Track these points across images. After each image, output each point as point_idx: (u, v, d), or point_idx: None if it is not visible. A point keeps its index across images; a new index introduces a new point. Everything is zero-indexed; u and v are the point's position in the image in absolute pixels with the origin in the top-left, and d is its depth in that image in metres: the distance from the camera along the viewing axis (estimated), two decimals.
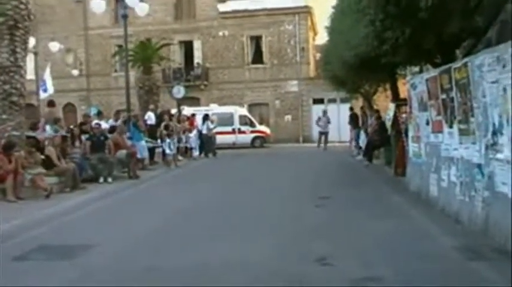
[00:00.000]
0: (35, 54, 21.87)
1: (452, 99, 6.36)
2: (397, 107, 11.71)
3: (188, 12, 31.94)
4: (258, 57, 31.25)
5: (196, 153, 19.24)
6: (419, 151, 8.38)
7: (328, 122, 22.03)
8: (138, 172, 12.70)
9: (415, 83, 8.37)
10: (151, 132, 16.24)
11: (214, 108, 25.67)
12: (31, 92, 17.05)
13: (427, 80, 7.52)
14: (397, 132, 11.48)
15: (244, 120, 27.00)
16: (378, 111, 15.81)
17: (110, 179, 11.47)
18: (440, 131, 7.03)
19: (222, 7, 31.24)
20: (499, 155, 5.04)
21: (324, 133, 21.88)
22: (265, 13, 30.64)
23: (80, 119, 20.00)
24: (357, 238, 5.72)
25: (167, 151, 15.44)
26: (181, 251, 5.32)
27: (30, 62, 16.24)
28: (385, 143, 13.50)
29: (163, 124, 16.19)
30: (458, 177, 6.34)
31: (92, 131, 12.41)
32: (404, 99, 10.44)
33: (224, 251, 5.23)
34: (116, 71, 31.37)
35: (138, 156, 13.49)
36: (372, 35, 7.81)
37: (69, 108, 31.66)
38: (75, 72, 30.97)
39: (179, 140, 17.15)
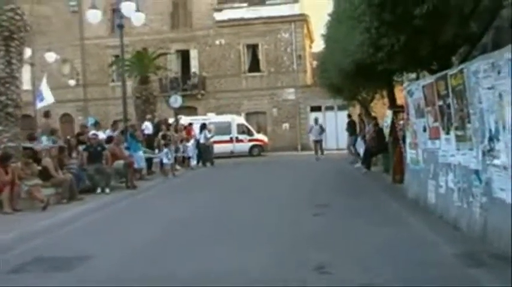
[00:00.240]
0: (31, 65, 21.89)
1: (448, 106, 6.38)
2: (395, 113, 11.72)
3: (184, 21, 32.06)
4: (254, 66, 31.33)
5: (194, 162, 19.24)
6: (417, 157, 8.38)
7: (322, 129, 21.61)
8: (135, 182, 12.71)
9: (411, 89, 8.39)
10: (149, 142, 16.23)
11: (211, 118, 25.70)
12: (27, 102, 17.05)
13: (423, 86, 7.54)
14: (394, 139, 11.48)
15: (241, 129, 27.01)
16: (375, 118, 15.82)
17: (107, 190, 11.46)
18: (438, 138, 7.04)
19: (218, 16, 31.36)
20: (496, 161, 5.05)
21: (318, 141, 21.56)
22: (262, 21, 30.75)
23: (77, 130, 19.94)
24: (355, 245, 5.72)
25: (165, 161, 15.45)
26: (178, 261, 5.31)
27: (26, 72, 16.25)
28: (382, 150, 13.50)
29: (160, 134, 16.21)
30: (456, 183, 6.34)
31: (89, 141, 12.40)
32: (402, 106, 10.46)
33: (222, 260, 5.23)
34: (112, 81, 31.31)
35: (136, 166, 13.50)
36: (368, 42, 7.83)
37: (66, 118, 31.65)
38: (72, 82, 30.97)
39: (177, 150, 17.16)
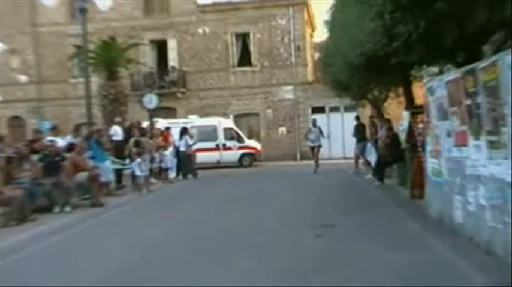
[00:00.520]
0: None
1: (478, 106, 6.35)
2: (412, 115, 11.72)
3: (161, 5, 32.08)
4: (245, 59, 31.39)
5: (172, 174, 19.18)
6: (440, 167, 8.36)
7: (321, 133, 20.92)
8: (102, 199, 12.67)
9: (433, 86, 8.37)
10: (118, 150, 16.20)
11: (193, 121, 25.66)
12: None
13: (447, 82, 7.52)
14: (412, 146, 11.50)
15: (230, 134, 27.04)
16: (389, 121, 15.83)
17: (67, 208, 11.43)
18: (465, 144, 7.01)
19: None
20: None
21: (314, 147, 20.80)
22: (253, 6, 30.88)
23: (29, 136, 19.79)
24: (367, 274, 5.67)
25: (138, 173, 15.38)
26: None
27: None
28: (398, 159, 13.51)
29: (132, 140, 16.10)
30: (488, 199, 6.30)
31: (44, 150, 12.31)
32: (421, 107, 10.45)
33: None
34: (73, 76, 31.18)
35: (102, 179, 13.45)
36: (380, 30, 7.83)
37: (15, 122, 31.46)
38: (23, 78, 30.78)
39: (152, 160, 17.05)
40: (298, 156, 29.88)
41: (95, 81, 21.24)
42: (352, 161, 20.56)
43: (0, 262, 7.12)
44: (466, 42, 7.72)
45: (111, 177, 14.79)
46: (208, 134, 25.69)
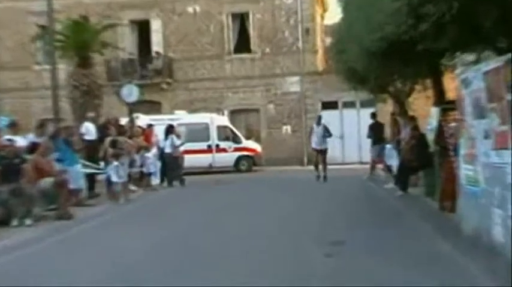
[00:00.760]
0: None
1: None
2: (443, 112, 11.68)
3: None
4: (243, 44, 31.41)
5: (156, 181, 19.24)
6: (476, 175, 8.32)
7: (327, 133, 20.17)
8: (70, 210, 12.62)
9: (468, 78, 8.34)
10: (91, 151, 16.22)
11: (181, 117, 25.76)
12: None
13: (485, 73, 7.49)
14: (442, 149, 11.49)
15: (224, 134, 27.13)
16: (414, 119, 15.81)
17: (28, 221, 11.36)
18: (506, 147, 6.98)
19: None
20: None
21: (320, 151, 20.05)
22: None
23: None
24: None
25: (114, 179, 15.34)
26: None
27: None
28: (425, 164, 13.49)
29: (108, 140, 16.08)
30: None
31: (1, 150, 12.25)
32: (453, 102, 10.41)
33: None
34: (37, 63, 31.18)
35: (71, 186, 13.39)
36: (405, 10, 7.80)
37: None
38: None
39: (131, 163, 17.04)
40: (305, 160, 29.74)
41: (63, 68, 21.20)
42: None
43: None
44: (509, 25, 7.68)
45: (82, 183, 14.74)
46: (199, 133, 25.70)
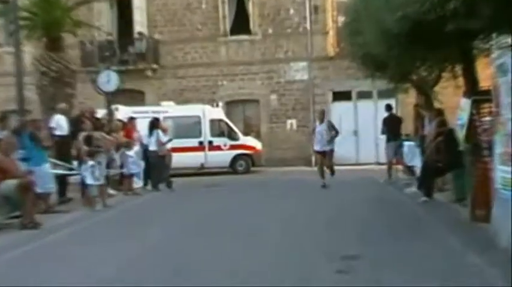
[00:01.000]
0: None
1: None
2: (476, 104, 11.61)
3: None
4: (241, 24, 31.45)
5: (138, 183, 19.29)
6: None
7: (333, 131, 19.51)
8: (38, 217, 12.60)
9: (505, 64, 8.29)
10: (63, 149, 16.26)
11: (168, 109, 25.94)
12: None
13: None
14: (474, 147, 11.45)
15: (218, 129, 27.29)
16: (441, 112, 15.78)
17: None
18: None
19: None
20: None
21: (323, 153, 19.42)
22: None
23: None
24: None
25: (89, 181, 15.31)
26: None
27: None
28: (454, 165, 13.49)
29: (82, 135, 16.05)
30: None
31: None
32: (488, 92, 10.38)
33: None
34: None
35: (39, 190, 13.35)
36: None
37: None
38: None
39: (110, 163, 17.02)
40: (313, 160, 29.70)
41: (30, 51, 21.14)
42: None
43: None
44: None
45: (52, 187, 14.74)
46: (189, 127, 25.86)
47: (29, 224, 12.14)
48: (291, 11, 31.12)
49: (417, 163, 16.80)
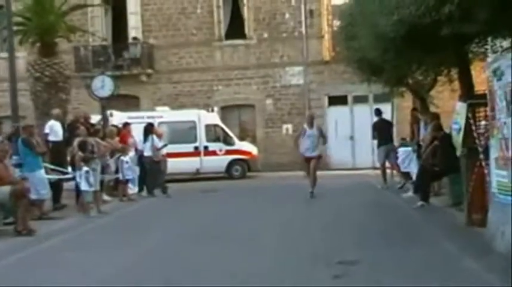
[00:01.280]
0: None
1: None
2: (471, 108, 11.61)
3: None
4: (236, 28, 31.43)
5: (134, 189, 19.24)
6: (510, 182, 8.27)
7: (322, 138, 18.86)
8: (32, 224, 12.56)
9: (501, 67, 8.31)
10: (57, 155, 16.25)
11: (163, 114, 25.85)
12: None
13: None
14: (470, 151, 11.43)
15: (214, 134, 27.20)
16: (437, 116, 15.79)
17: None
18: None
19: None
20: None
21: (311, 159, 18.37)
22: None
23: None
24: None
25: (84, 187, 15.27)
26: None
27: None
28: (450, 169, 13.47)
29: (77, 141, 16.03)
30: None
31: None
32: (484, 96, 10.37)
33: None
34: None
35: (33, 196, 13.27)
36: None
37: None
38: None
39: (104, 169, 16.99)
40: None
41: (24, 57, 21.10)
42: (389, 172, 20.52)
43: None
44: None
45: (46, 193, 14.64)
46: (184, 133, 25.81)
47: (23, 231, 12.11)
48: (286, 16, 31.09)
49: (413, 168, 16.79)
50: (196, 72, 31.20)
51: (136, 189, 19.38)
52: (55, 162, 15.99)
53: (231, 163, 26.91)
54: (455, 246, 9.65)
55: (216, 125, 27.40)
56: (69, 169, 16.09)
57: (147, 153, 19.55)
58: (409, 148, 18.10)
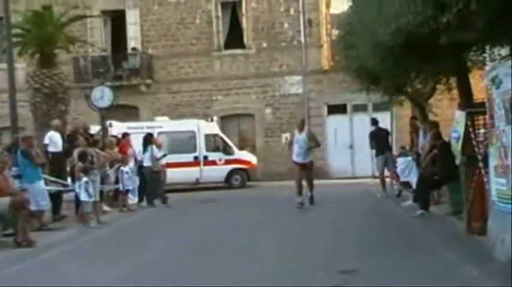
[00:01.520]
0: None
1: None
2: (470, 116, 11.63)
3: None
4: (235, 38, 31.43)
5: (133, 200, 19.20)
6: (509, 190, 8.29)
7: (313, 142, 18.33)
8: (32, 235, 12.52)
9: (499, 76, 8.33)
10: (56, 166, 16.22)
11: (163, 124, 25.83)
12: None
13: None
14: (470, 160, 11.43)
15: (213, 144, 27.15)
16: (436, 124, 15.79)
17: None
18: None
19: None
20: None
21: (303, 165, 17.98)
22: None
23: None
24: None
25: (83, 198, 15.24)
26: None
27: None
28: (449, 178, 13.45)
29: (76, 152, 16.03)
30: None
31: None
32: (482, 104, 10.39)
33: None
34: None
35: (33, 207, 13.30)
36: None
37: None
38: None
39: (104, 179, 16.98)
40: None
41: (23, 68, 21.11)
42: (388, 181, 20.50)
43: None
44: None
45: (46, 204, 14.62)
46: (184, 143, 25.76)
47: (23, 242, 12.05)
48: (285, 25, 31.09)
49: (413, 178, 16.77)
50: (195, 82, 31.17)
51: (136, 199, 19.33)
52: (54, 173, 15.97)
53: (231, 173, 26.86)
54: (455, 254, 9.64)
55: (215, 135, 27.35)
56: (69, 180, 16.04)
57: (147, 163, 19.52)
58: (409, 158, 18.08)
